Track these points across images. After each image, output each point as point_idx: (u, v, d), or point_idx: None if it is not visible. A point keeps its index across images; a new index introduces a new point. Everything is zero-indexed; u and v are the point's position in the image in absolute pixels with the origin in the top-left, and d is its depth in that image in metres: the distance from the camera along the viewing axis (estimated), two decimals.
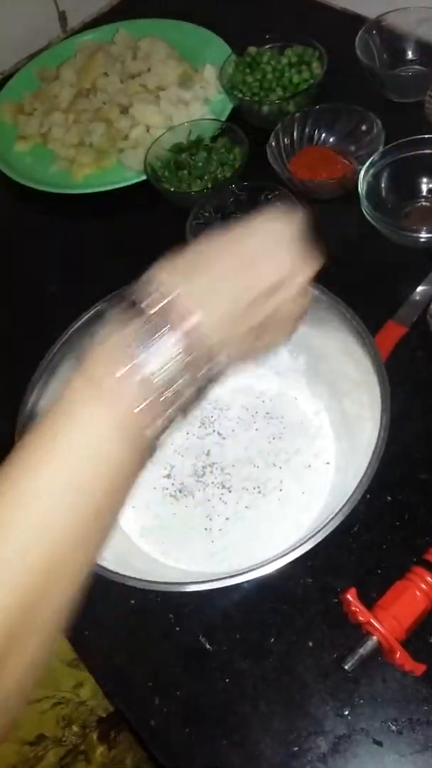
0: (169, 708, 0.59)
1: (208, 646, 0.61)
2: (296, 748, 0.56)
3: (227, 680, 0.59)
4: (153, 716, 0.58)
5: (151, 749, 0.58)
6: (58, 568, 0.38)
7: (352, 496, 0.53)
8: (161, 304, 0.41)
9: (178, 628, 0.62)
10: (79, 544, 0.39)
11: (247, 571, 0.53)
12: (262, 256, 0.45)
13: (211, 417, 0.70)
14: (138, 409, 0.40)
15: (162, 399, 0.41)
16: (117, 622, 0.63)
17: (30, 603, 0.36)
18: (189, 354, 0.41)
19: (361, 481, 0.54)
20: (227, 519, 0.64)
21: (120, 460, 0.40)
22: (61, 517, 0.38)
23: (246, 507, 0.65)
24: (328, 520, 0.53)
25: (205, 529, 0.64)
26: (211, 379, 0.44)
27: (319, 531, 0.53)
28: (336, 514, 0.53)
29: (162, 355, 0.41)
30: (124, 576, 0.54)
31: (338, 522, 0.53)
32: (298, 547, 0.53)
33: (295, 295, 0.46)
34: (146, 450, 0.42)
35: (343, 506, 0.53)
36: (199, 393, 0.44)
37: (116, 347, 0.41)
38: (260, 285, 0.44)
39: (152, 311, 0.41)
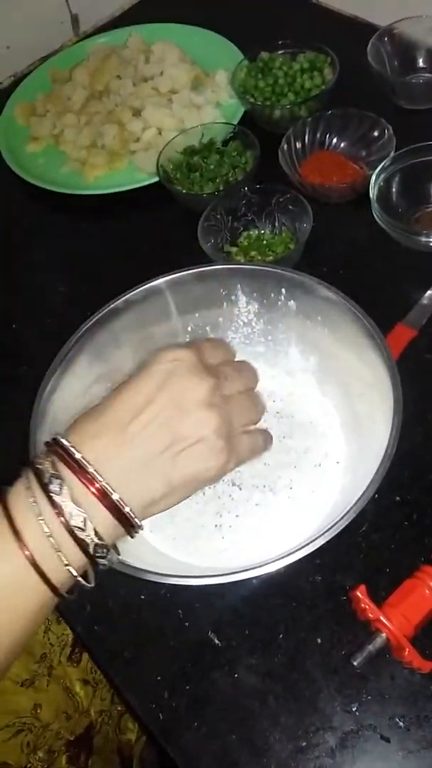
0: (178, 702, 0.59)
1: (217, 642, 0.61)
2: (304, 743, 0.56)
3: (236, 675, 0.60)
4: (162, 710, 0.59)
5: (160, 742, 0.58)
6: None
7: (363, 494, 0.54)
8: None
9: (187, 624, 0.62)
10: None
11: (256, 567, 0.53)
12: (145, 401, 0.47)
13: None
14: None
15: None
16: (127, 617, 0.63)
17: None
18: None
19: (372, 480, 0.54)
20: (237, 516, 0.65)
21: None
22: None
23: (256, 504, 0.65)
24: (339, 518, 0.54)
25: (216, 525, 0.65)
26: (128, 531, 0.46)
27: (330, 528, 0.53)
28: (348, 512, 0.53)
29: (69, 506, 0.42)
30: (135, 568, 0.54)
31: (349, 520, 0.53)
32: (307, 545, 0.53)
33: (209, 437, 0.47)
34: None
35: (356, 504, 0.53)
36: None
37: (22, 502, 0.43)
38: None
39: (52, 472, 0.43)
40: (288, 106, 0.92)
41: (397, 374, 0.59)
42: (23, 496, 0.42)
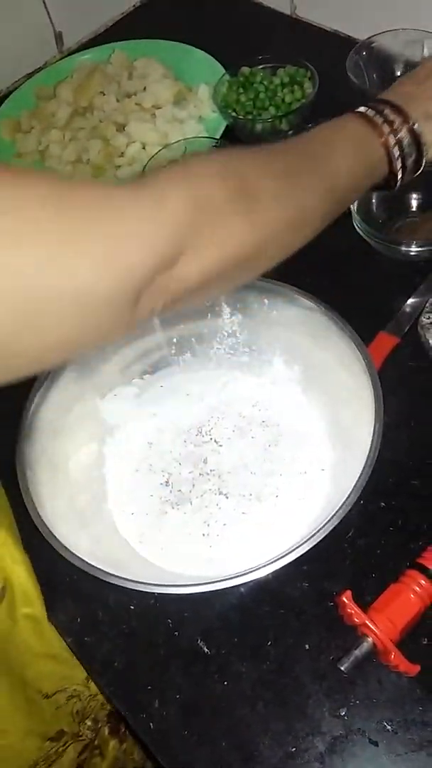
0: (168, 711, 0.60)
1: (206, 650, 0.62)
2: (294, 749, 0.57)
3: (225, 683, 0.60)
4: (153, 719, 0.59)
5: (151, 751, 0.59)
6: None
7: (346, 500, 0.55)
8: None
9: (176, 633, 0.63)
10: None
11: (243, 574, 0.54)
12: None
13: (208, 425, 0.72)
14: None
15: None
16: (117, 628, 0.64)
17: None
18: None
19: (355, 486, 0.55)
20: (225, 525, 0.66)
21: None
22: None
23: (243, 513, 0.66)
24: (323, 524, 0.55)
25: (203, 534, 0.66)
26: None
27: (314, 534, 0.54)
28: (331, 518, 0.54)
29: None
30: (124, 579, 0.55)
31: (333, 526, 0.54)
32: (293, 551, 0.54)
33: None
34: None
35: (338, 510, 0.54)
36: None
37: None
38: None
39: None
40: (269, 120, 0.94)
41: (378, 382, 0.60)
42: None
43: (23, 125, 1.07)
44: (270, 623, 0.62)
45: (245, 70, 1.00)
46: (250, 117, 0.96)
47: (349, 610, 0.57)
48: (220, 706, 0.59)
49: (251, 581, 0.54)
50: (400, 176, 0.61)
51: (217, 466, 0.69)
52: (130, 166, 0.98)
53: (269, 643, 0.61)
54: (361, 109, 0.61)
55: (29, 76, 1.17)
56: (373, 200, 0.82)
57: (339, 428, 0.67)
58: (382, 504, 0.66)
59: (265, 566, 0.54)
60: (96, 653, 0.63)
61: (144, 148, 0.99)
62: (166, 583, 0.56)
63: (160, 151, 0.94)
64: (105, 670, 0.63)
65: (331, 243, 0.84)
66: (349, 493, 0.55)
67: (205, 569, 0.63)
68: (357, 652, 0.57)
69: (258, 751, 0.57)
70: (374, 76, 0.96)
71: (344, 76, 0.93)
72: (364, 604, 0.58)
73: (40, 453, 0.63)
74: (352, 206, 0.79)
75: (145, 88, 1.04)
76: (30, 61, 1.19)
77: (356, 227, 0.79)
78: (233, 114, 0.96)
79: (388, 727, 0.57)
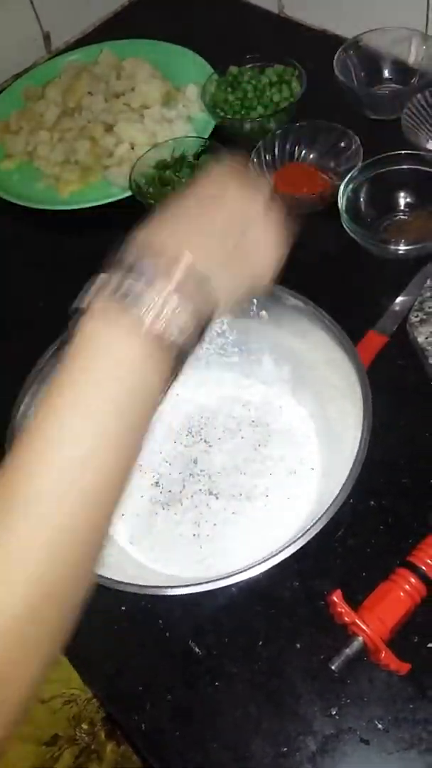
0: (160, 712, 0.60)
1: (197, 651, 0.62)
2: (285, 749, 0.57)
3: (217, 684, 0.60)
4: (144, 720, 0.59)
5: (143, 753, 0.59)
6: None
7: (335, 499, 0.55)
8: (150, 253, 0.43)
9: (167, 634, 0.63)
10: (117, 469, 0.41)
11: (234, 574, 0.54)
12: (219, 196, 0.48)
13: (198, 426, 0.72)
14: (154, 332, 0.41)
15: (167, 330, 0.41)
16: (108, 629, 0.64)
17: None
18: (185, 291, 0.42)
19: (344, 485, 0.56)
20: (215, 525, 0.66)
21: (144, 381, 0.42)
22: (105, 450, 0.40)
23: (233, 513, 0.66)
24: (313, 523, 0.55)
25: (194, 535, 0.65)
26: (209, 317, 0.45)
27: (304, 533, 0.54)
28: (321, 517, 0.54)
29: (160, 293, 0.41)
30: (115, 581, 0.55)
31: (323, 525, 0.54)
32: (283, 550, 0.54)
33: (259, 219, 0.49)
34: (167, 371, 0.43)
35: (328, 508, 0.54)
36: (201, 332, 0.44)
37: (113, 294, 0.42)
38: (226, 218, 0.47)
39: (142, 260, 0.43)
40: (257, 119, 0.94)
41: (367, 380, 0.60)
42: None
43: (12, 126, 1.07)
44: (261, 623, 0.62)
45: (233, 69, 1.00)
46: (238, 116, 0.96)
47: (339, 609, 0.57)
48: (212, 707, 0.59)
49: (242, 581, 0.54)
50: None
51: (207, 467, 0.69)
52: (119, 166, 0.97)
53: (260, 643, 0.61)
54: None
55: (17, 76, 1.17)
56: (362, 199, 0.82)
57: (329, 427, 0.67)
58: (372, 503, 0.66)
59: (255, 566, 0.54)
60: (86, 655, 0.63)
61: (133, 148, 0.99)
62: (157, 585, 0.56)
63: (148, 151, 0.94)
64: (96, 672, 0.63)
65: (320, 242, 0.85)
66: (338, 492, 0.55)
67: (197, 569, 0.63)
68: (348, 651, 0.57)
69: (250, 751, 0.57)
70: (362, 74, 0.97)
71: (332, 75, 0.93)
72: (355, 603, 0.58)
73: None
74: (340, 205, 0.80)
75: (133, 89, 1.04)
76: (18, 61, 1.19)
77: (345, 226, 0.79)
78: (222, 114, 0.96)
79: (379, 726, 0.57)
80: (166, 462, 0.70)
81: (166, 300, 0.41)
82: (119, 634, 0.64)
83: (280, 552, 0.53)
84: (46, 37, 1.21)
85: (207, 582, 0.54)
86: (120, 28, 1.21)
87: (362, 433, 0.57)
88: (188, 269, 0.43)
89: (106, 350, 0.41)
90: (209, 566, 0.63)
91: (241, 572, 0.54)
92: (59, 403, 0.41)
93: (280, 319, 0.68)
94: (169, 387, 0.44)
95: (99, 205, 0.94)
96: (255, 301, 0.68)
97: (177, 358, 0.43)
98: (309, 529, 0.54)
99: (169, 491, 0.68)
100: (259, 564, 0.53)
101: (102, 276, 0.44)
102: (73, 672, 0.67)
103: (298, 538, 0.53)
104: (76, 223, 0.95)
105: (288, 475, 0.67)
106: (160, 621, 0.63)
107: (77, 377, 0.41)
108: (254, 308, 0.69)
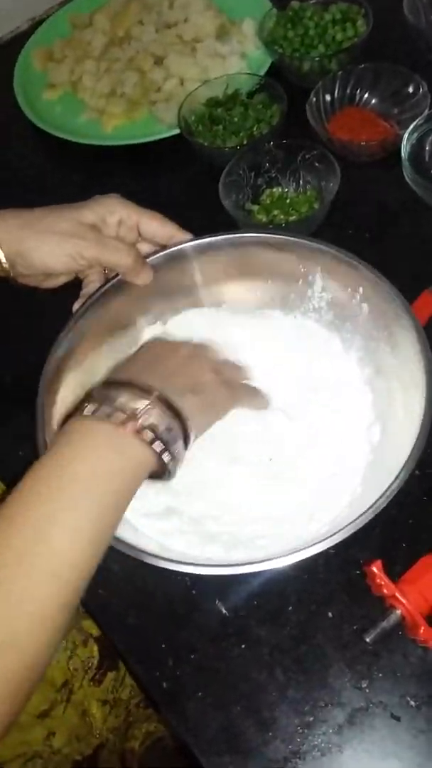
0: (182, 671, 0.58)
1: (224, 611, 0.59)
2: (311, 718, 0.55)
3: (243, 646, 0.58)
4: (166, 678, 0.57)
5: (162, 711, 0.57)
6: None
7: (401, 471, 0.52)
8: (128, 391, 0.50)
9: (194, 591, 0.61)
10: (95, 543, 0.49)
11: (287, 555, 0.51)
12: (190, 361, 0.58)
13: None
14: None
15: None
16: (132, 582, 0.62)
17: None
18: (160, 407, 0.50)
19: (411, 453, 0.52)
20: (255, 498, 0.62)
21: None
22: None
23: (279, 489, 0.62)
24: (377, 500, 0.51)
25: (243, 508, 0.62)
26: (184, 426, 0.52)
27: (366, 512, 0.50)
28: (385, 492, 0.51)
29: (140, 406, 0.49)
30: (155, 556, 0.52)
31: (386, 502, 0.51)
32: (336, 534, 0.50)
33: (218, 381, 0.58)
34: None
35: (392, 484, 0.51)
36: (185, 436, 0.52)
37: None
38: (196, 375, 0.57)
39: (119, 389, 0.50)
40: (318, 59, 0.88)
41: (426, 339, 0.57)
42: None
43: (56, 54, 1.02)
44: (292, 588, 0.60)
45: (294, 4, 0.94)
46: (297, 55, 0.90)
47: (378, 581, 0.55)
48: (236, 669, 0.57)
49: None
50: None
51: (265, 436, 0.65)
52: (167, 101, 0.92)
53: (290, 608, 0.59)
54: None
55: (64, 3, 1.11)
56: (426, 149, 0.77)
57: (386, 398, 0.62)
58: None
59: (306, 548, 0.50)
60: (109, 607, 0.61)
61: (182, 83, 0.94)
62: (202, 563, 0.53)
63: (199, 87, 0.89)
64: (119, 625, 0.61)
65: (379, 194, 0.80)
66: (402, 464, 0.52)
67: (242, 549, 0.59)
68: (384, 624, 0.54)
69: (273, 718, 0.55)
70: None
71: (400, 15, 0.87)
72: (394, 575, 0.55)
73: None
74: (403, 154, 0.74)
75: (186, 20, 0.98)
76: None
77: (406, 177, 0.74)
78: (279, 51, 0.90)
79: (412, 703, 0.54)
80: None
81: (145, 409, 0.49)
82: (143, 588, 0.61)
83: (348, 526, 0.50)
84: None
85: (260, 562, 0.51)
86: None
87: (427, 396, 0.53)
88: (159, 394, 0.50)
89: (92, 450, 0.48)
90: (257, 544, 0.58)
91: (292, 554, 0.50)
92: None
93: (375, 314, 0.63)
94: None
95: (144, 142, 0.89)
96: (361, 290, 0.63)
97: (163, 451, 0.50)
98: (374, 505, 0.50)
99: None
100: (312, 546, 0.50)
101: (87, 406, 0.50)
102: (32, 730, 0.65)
103: (358, 518, 0.50)
104: (120, 161, 0.91)
105: (337, 446, 0.62)
106: (187, 578, 0.61)
107: (60, 475, 0.47)
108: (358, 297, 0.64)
